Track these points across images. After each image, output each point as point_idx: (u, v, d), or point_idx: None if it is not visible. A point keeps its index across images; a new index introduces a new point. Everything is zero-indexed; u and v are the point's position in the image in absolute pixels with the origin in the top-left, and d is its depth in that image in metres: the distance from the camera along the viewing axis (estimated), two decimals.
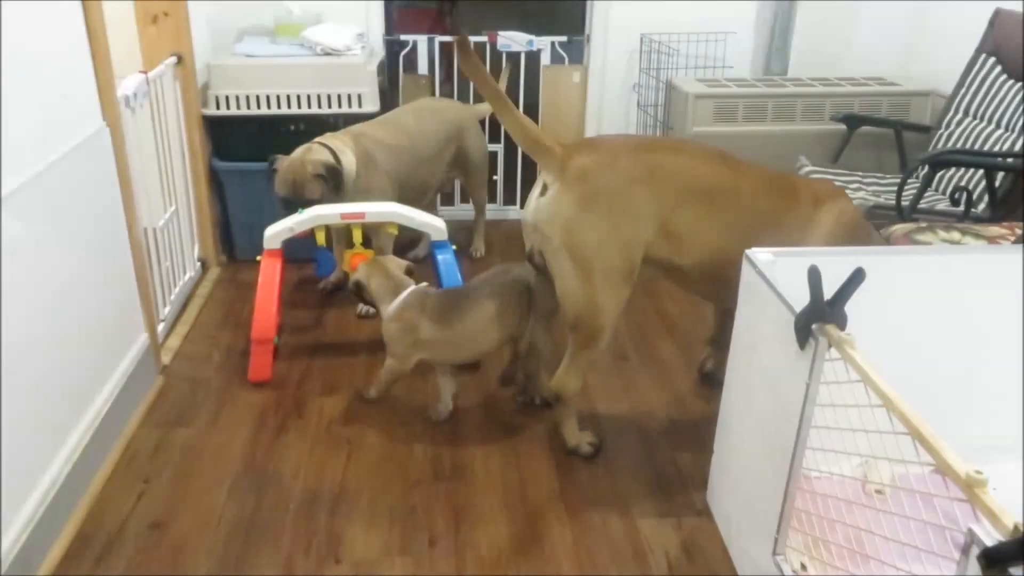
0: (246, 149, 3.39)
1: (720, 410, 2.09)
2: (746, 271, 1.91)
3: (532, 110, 3.95)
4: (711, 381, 2.72)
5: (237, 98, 3.33)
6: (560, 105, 3.94)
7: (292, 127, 3.39)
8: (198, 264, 3.42)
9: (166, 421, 2.50)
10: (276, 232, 2.67)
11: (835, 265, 1.96)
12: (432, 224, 2.82)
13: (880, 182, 3.30)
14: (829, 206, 2.24)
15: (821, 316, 1.55)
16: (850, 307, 1.54)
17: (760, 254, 1.90)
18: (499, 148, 3.99)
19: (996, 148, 3.02)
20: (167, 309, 2.98)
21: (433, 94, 3.85)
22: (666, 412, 2.61)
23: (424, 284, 2.49)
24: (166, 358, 2.82)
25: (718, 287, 2.33)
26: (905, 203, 2.82)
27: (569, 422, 2.37)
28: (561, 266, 2.12)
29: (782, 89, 3.49)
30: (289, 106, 3.35)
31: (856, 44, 3.90)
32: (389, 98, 3.70)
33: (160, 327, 2.87)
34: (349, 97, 3.35)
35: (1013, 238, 2.62)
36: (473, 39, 3.81)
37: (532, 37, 3.78)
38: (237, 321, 3.11)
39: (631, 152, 2.13)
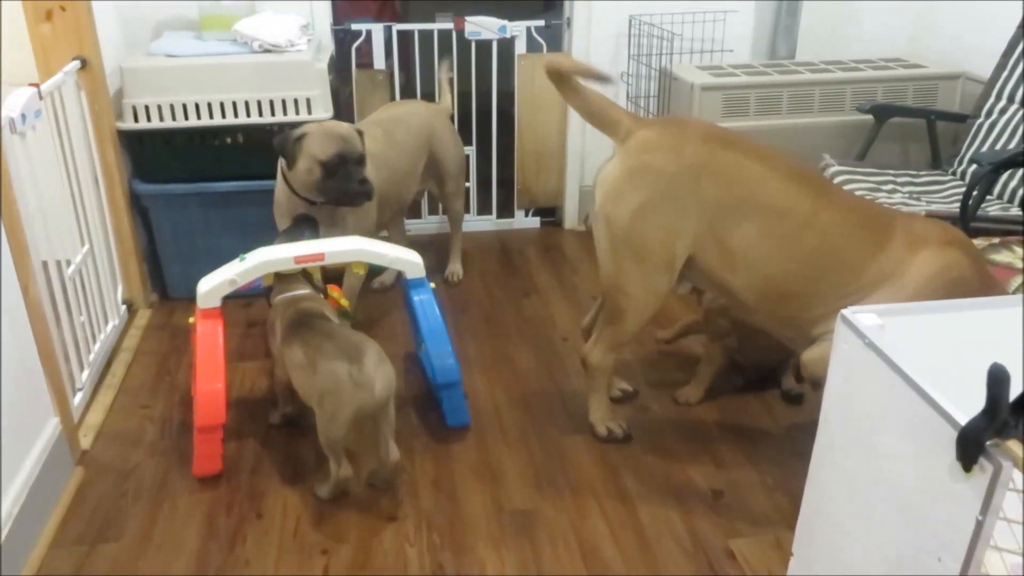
0: (173, 168, 2.83)
1: (802, 511, 1.64)
2: (845, 338, 1.47)
3: (506, 104, 3.46)
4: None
5: (159, 108, 2.76)
6: (538, 98, 3.43)
7: (228, 139, 2.82)
8: (123, 308, 2.85)
9: (87, 534, 1.96)
10: (214, 287, 2.13)
11: (953, 324, 1.55)
12: (406, 259, 2.31)
13: (915, 181, 2.89)
14: (930, 255, 1.85)
15: (1002, 431, 1.11)
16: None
17: (862, 316, 1.46)
18: (472, 151, 3.48)
19: None
20: (85, 374, 2.43)
21: (392, 92, 3.31)
22: (703, 478, 2.17)
23: (308, 291, 2.24)
24: (86, 440, 2.27)
25: (774, 322, 2.06)
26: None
27: (593, 395, 2.28)
28: (597, 233, 2.07)
29: (796, 76, 3.05)
30: (223, 115, 2.78)
31: (866, 21, 3.48)
32: (342, 99, 3.15)
33: (77, 398, 2.32)
34: (296, 102, 2.79)
35: None
36: (437, 27, 3.29)
37: (504, 22, 3.27)
38: (173, 382, 2.57)
39: (704, 140, 1.95)
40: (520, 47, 3.34)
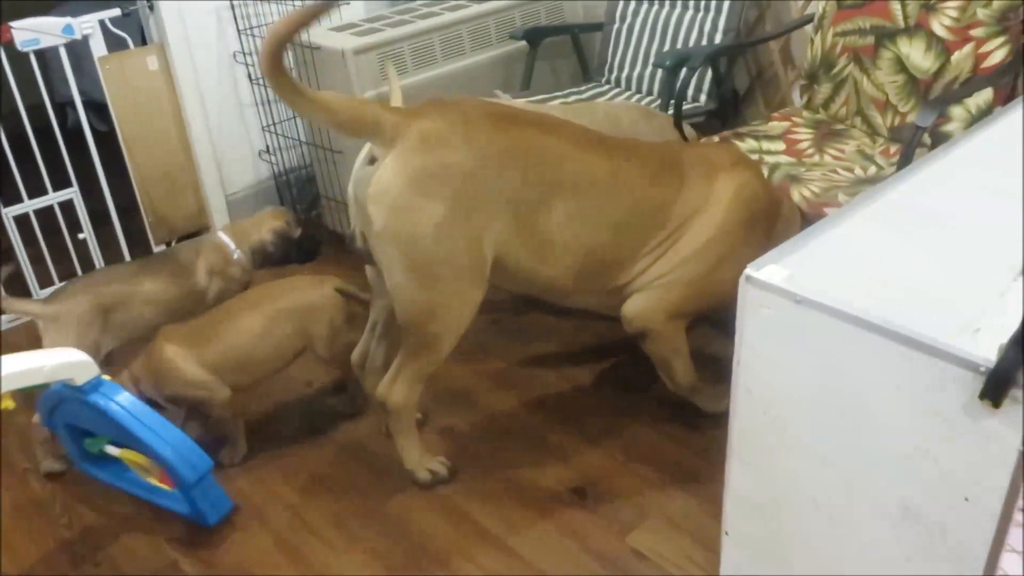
0: None
1: (729, 487, 1.48)
2: (763, 302, 1.31)
3: (102, 121, 2.70)
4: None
5: None
6: (140, 105, 2.72)
7: None
8: None
9: None
10: None
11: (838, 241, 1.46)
12: (69, 363, 1.69)
13: (583, 98, 2.86)
14: (725, 178, 1.84)
15: None
16: None
17: (769, 273, 1.30)
18: (74, 193, 2.67)
19: (695, 31, 2.75)
20: None
21: None
22: (556, 481, 1.94)
23: None
24: None
25: (594, 297, 1.92)
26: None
27: (403, 439, 1.92)
28: (387, 257, 1.68)
29: (440, 18, 2.78)
30: None
31: None
32: None
33: None
34: None
35: (798, 127, 2.40)
36: None
37: (67, 20, 2.48)
38: None
39: (492, 123, 1.66)
40: (99, 48, 2.59)
